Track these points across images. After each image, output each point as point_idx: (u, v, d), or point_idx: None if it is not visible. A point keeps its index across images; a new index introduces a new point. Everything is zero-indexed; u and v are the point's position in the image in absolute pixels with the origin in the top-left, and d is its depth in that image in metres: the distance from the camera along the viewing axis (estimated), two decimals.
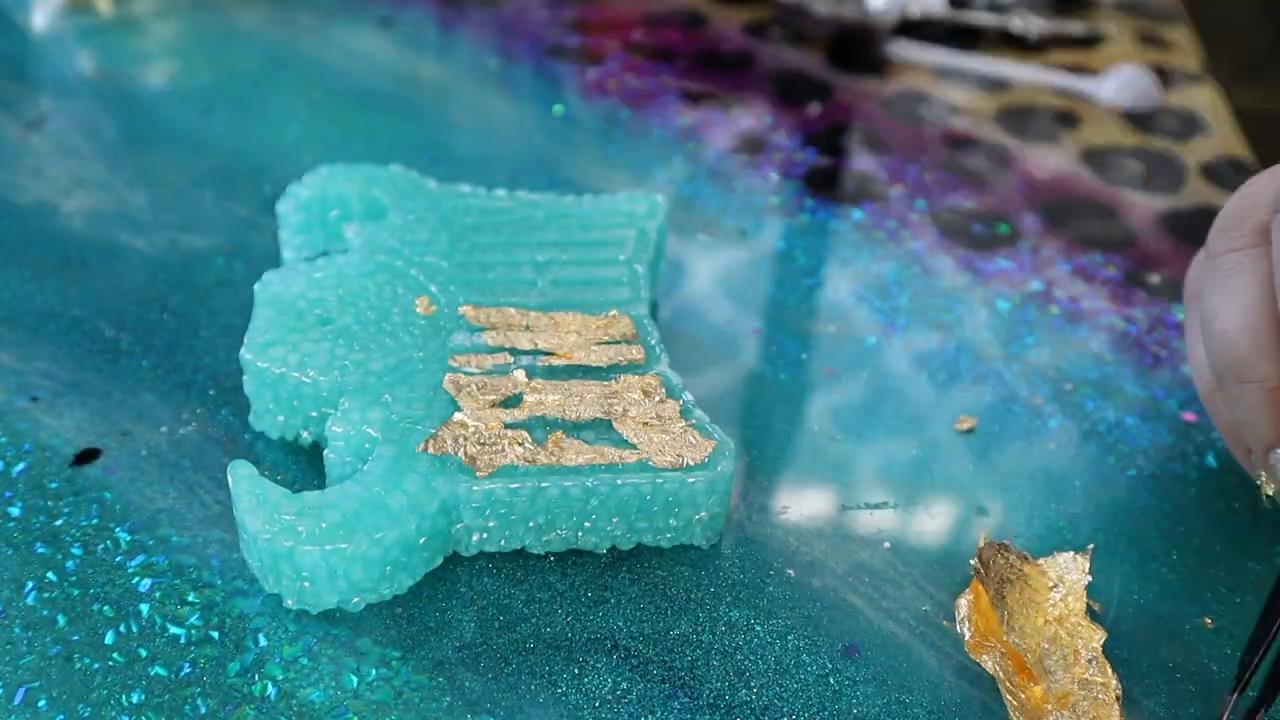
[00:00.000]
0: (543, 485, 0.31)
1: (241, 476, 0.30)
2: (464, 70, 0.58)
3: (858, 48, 0.63)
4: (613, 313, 0.36)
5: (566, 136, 0.53)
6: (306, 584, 0.29)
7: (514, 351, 0.34)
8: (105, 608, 0.30)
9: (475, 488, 0.30)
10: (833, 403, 0.39)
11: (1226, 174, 0.54)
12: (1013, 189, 0.52)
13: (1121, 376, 0.41)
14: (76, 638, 0.29)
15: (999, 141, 0.55)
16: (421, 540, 0.30)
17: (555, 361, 0.34)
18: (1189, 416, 0.40)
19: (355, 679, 0.29)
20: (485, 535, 0.31)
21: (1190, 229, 0.50)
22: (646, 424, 0.32)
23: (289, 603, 0.30)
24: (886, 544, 0.34)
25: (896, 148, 0.54)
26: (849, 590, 0.33)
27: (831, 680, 0.30)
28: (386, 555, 0.29)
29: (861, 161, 0.53)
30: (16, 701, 0.28)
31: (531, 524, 0.31)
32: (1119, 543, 0.35)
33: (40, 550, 0.31)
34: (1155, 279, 0.46)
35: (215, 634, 0.30)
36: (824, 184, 0.51)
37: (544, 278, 0.37)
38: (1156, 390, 0.41)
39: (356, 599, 0.30)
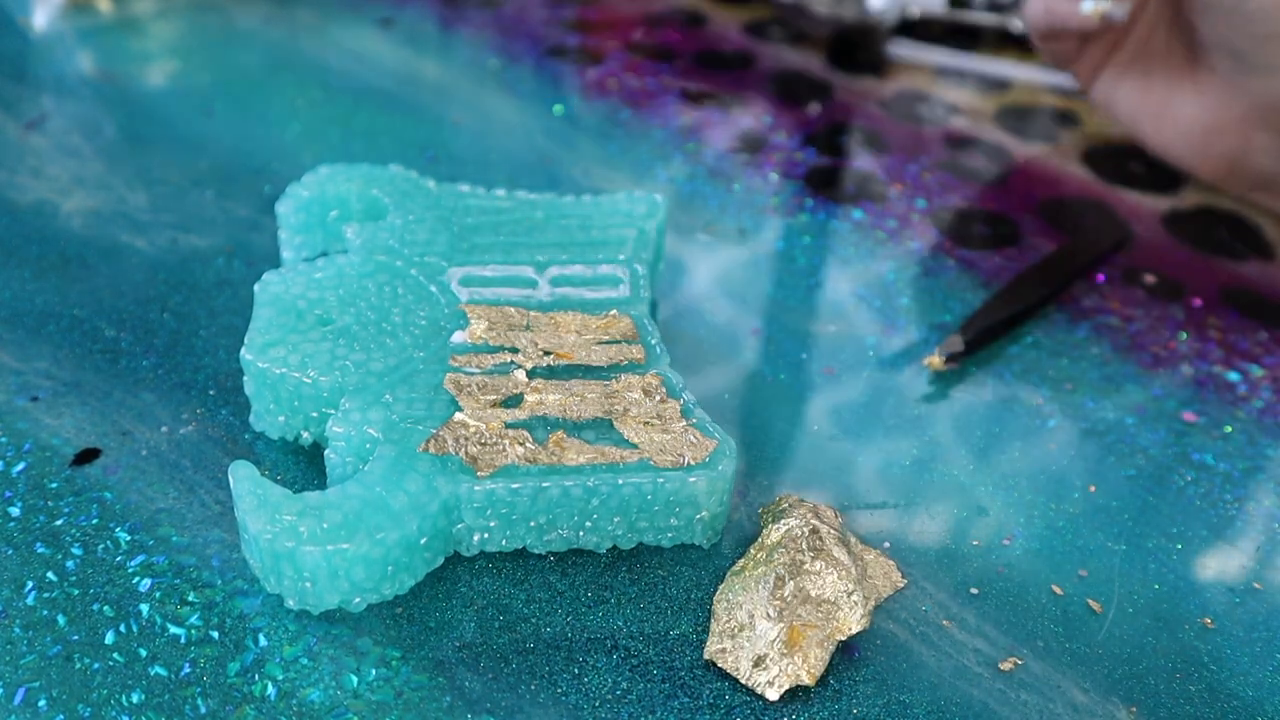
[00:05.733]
0: (544, 485, 0.31)
1: (242, 477, 0.30)
2: (464, 70, 0.58)
3: (858, 48, 0.63)
4: (613, 313, 0.36)
5: (566, 136, 0.53)
6: (308, 584, 0.29)
7: (514, 351, 0.34)
8: (105, 608, 0.30)
9: (476, 488, 0.30)
10: (833, 403, 0.39)
11: None
12: (1013, 189, 0.52)
13: (1121, 376, 0.41)
14: (76, 638, 0.29)
15: (999, 141, 0.55)
16: (423, 540, 0.30)
17: (555, 361, 0.34)
18: (1189, 416, 0.40)
19: (355, 679, 0.29)
20: (486, 535, 0.31)
21: (1191, 229, 0.50)
22: (647, 423, 0.32)
23: (290, 603, 0.30)
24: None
25: (896, 148, 0.54)
26: None
27: (831, 680, 0.30)
28: (388, 555, 0.29)
29: (861, 161, 0.53)
30: (16, 701, 0.28)
31: (533, 524, 0.31)
32: (1119, 543, 0.35)
33: (40, 550, 0.31)
34: (1155, 279, 0.47)
35: (215, 634, 0.30)
36: (824, 184, 0.51)
37: (544, 278, 0.37)
38: (1156, 390, 0.41)
39: (358, 599, 0.30)
